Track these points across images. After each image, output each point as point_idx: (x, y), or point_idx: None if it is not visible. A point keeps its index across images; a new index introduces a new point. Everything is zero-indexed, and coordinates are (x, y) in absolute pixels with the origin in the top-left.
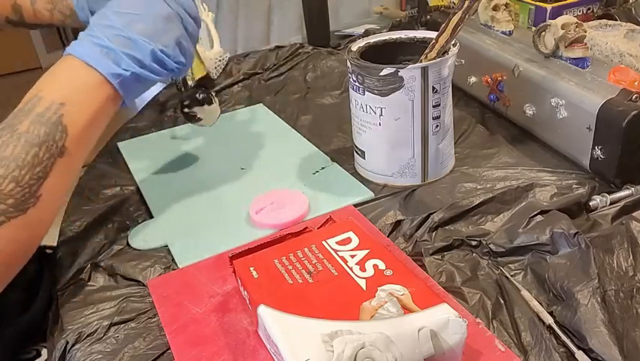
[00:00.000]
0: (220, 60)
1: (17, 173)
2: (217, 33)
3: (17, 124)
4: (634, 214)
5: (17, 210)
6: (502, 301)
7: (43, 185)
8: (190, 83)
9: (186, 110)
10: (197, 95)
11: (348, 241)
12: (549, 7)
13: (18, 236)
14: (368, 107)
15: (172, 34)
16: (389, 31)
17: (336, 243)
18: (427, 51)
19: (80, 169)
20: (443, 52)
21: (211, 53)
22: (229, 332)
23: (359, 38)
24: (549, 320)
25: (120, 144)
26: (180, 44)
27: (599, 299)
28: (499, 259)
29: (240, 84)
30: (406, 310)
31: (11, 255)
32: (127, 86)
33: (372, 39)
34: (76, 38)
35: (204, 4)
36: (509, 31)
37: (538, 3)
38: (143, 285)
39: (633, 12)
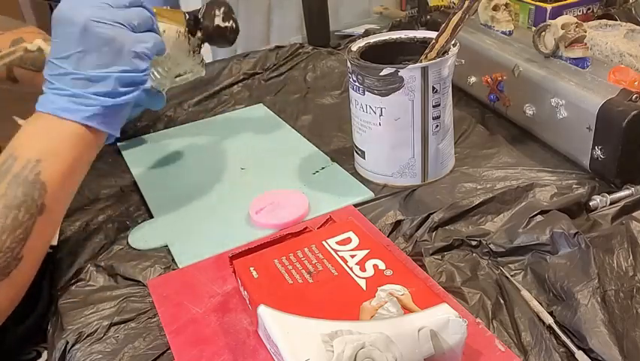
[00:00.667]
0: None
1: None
2: None
3: None
4: (634, 214)
5: (1, 274)
6: (502, 301)
7: (25, 246)
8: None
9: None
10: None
11: (348, 241)
12: (549, 7)
13: (1, 299)
14: (368, 107)
15: (124, 50)
16: (389, 31)
17: (336, 243)
18: (427, 51)
19: (61, 220)
20: (443, 52)
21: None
22: (229, 332)
23: (359, 38)
24: (549, 320)
25: (120, 144)
26: (136, 53)
27: (599, 299)
28: (499, 259)
29: (240, 84)
30: (406, 310)
31: None
32: (107, 122)
33: (372, 39)
34: None
35: None
36: (509, 31)
37: (538, 3)
38: (143, 285)
39: (633, 12)
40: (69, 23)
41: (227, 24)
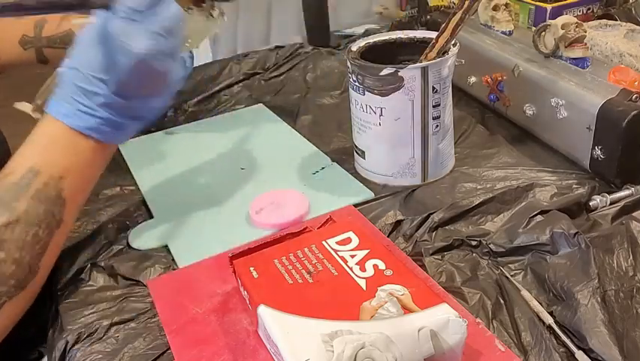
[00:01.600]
0: None
1: (18, 255)
2: None
3: (14, 201)
4: (634, 214)
5: (18, 288)
6: (502, 301)
7: (42, 259)
8: None
9: None
10: None
11: (348, 241)
12: (549, 7)
13: (16, 310)
14: (368, 107)
15: (170, 84)
16: (389, 31)
17: (336, 243)
18: (427, 51)
19: (72, 228)
20: (443, 52)
21: None
22: (229, 332)
23: (359, 38)
24: (549, 320)
25: (120, 144)
26: (172, 86)
27: (599, 299)
28: (499, 259)
29: (240, 84)
30: (406, 310)
31: (7, 326)
32: (128, 136)
33: (372, 39)
34: None
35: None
36: (509, 31)
37: (538, 3)
38: (143, 285)
39: (633, 12)
40: (122, 50)
41: None
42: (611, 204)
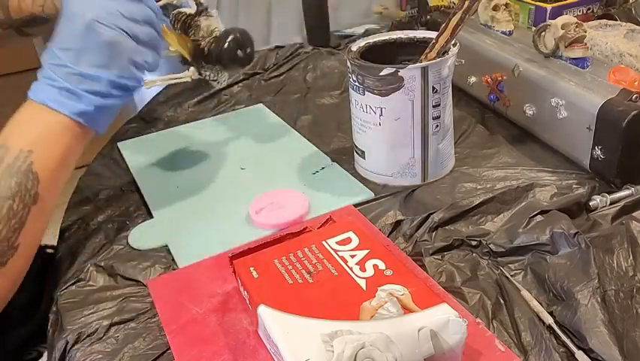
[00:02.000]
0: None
1: None
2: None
3: None
4: (634, 214)
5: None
6: (502, 301)
7: (20, 234)
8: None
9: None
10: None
11: (348, 241)
12: (549, 7)
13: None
14: (368, 107)
15: (123, 56)
16: (389, 31)
17: (336, 243)
18: (427, 51)
19: (54, 210)
20: (443, 52)
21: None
22: (229, 332)
23: (359, 38)
24: (549, 320)
25: (120, 144)
26: (135, 62)
27: (599, 299)
28: (499, 259)
29: (240, 84)
30: (406, 310)
31: None
32: (95, 119)
33: (372, 39)
34: None
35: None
36: (509, 31)
37: (538, 3)
38: (143, 285)
39: (633, 12)
40: (75, 17)
41: (239, 53)
42: (611, 204)
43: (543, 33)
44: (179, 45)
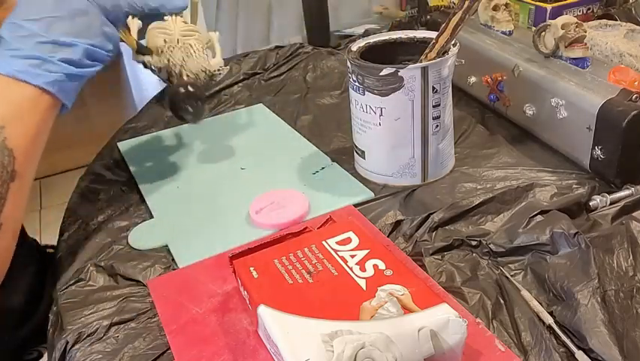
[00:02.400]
0: (219, 71)
1: None
2: (220, 49)
3: None
4: (634, 214)
5: None
6: (502, 301)
7: (2, 213)
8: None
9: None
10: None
11: (348, 241)
12: (549, 7)
13: None
14: (368, 107)
15: (95, 25)
16: (389, 31)
17: (336, 243)
18: (427, 51)
19: (31, 186)
20: (443, 52)
21: (212, 63)
22: (229, 332)
23: (359, 38)
24: (549, 320)
25: (120, 144)
26: (105, 32)
27: (599, 299)
28: (499, 259)
29: (240, 84)
30: (406, 310)
31: None
32: (65, 90)
33: (372, 39)
34: None
35: (203, 27)
36: (509, 31)
37: (538, 3)
38: (143, 285)
39: (633, 12)
40: None
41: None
42: (611, 204)
43: (543, 33)
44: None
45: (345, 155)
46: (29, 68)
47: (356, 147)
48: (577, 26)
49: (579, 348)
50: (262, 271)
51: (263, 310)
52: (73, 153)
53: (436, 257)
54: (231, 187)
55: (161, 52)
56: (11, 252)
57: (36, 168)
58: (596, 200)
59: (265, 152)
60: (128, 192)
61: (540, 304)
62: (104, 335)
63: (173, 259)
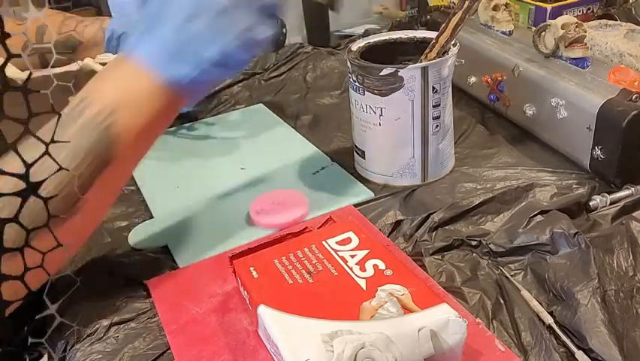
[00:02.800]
0: None
1: (62, 179)
2: None
3: (62, 130)
4: (634, 214)
5: (61, 219)
6: (502, 301)
7: (89, 193)
8: None
9: None
10: None
11: (348, 241)
12: (549, 7)
13: (64, 241)
14: (368, 107)
15: (236, 28)
16: (389, 31)
17: (336, 243)
18: (427, 51)
19: (130, 175)
20: (443, 52)
21: None
22: (229, 332)
23: (359, 38)
24: (549, 320)
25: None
26: (247, 38)
27: (599, 299)
28: (499, 259)
29: (240, 84)
30: (406, 310)
31: (56, 260)
32: (192, 89)
33: (372, 39)
34: None
35: None
36: (509, 31)
37: (538, 3)
38: (143, 285)
39: (633, 12)
40: None
41: None
42: (611, 204)
43: (543, 33)
44: None
45: (345, 155)
46: (159, 58)
47: (356, 147)
48: (577, 26)
49: (579, 348)
50: (262, 271)
51: (263, 310)
52: None
53: (436, 257)
54: (231, 187)
55: None
56: (90, 232)
57: (138, 162)
58: (596, 200)
59: (265, 152)
60: (128, 192)
61: (540, 304)
62: (104, 335)
63: (173, 259)
